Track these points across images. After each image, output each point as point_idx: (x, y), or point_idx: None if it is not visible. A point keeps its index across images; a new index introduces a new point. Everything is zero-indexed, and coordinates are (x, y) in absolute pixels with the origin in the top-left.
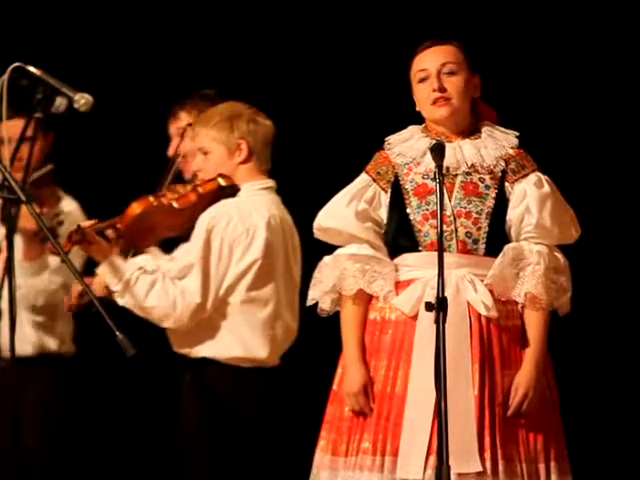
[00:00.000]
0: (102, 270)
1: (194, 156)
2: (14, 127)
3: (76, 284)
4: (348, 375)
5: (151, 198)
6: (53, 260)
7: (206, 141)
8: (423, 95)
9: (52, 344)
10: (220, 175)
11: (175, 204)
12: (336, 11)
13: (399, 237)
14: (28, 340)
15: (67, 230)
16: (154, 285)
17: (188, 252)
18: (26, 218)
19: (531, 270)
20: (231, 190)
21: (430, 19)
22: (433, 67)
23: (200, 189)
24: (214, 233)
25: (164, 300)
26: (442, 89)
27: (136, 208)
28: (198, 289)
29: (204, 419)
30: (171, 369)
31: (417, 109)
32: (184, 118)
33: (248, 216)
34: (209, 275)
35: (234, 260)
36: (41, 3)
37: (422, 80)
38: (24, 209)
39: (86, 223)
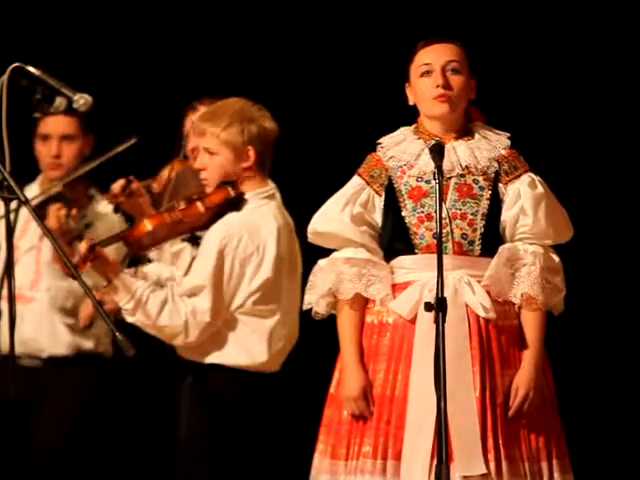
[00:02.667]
0: (111, 289)
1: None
2: (58, 124)
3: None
4: (347, 379)
5: (164, 214)
6: None
7: (213, 142)
8: (425, 89)
9: (87, 344)
10: (227, 184)
11: (185, 218)
12: (330, 14)
13: (394, 240)
14: (62, 341)
15: (104, 231)
16: (165, 304)
17: (198, 271)
18: (53, 216)
19: (526, 271)
20: (237, 199)
21: (424, 22)
22: (438, 63)
23: (208, 201)
24: (225, 253)
25: (176, 319)
26: (447, 86)
27: (148, 225)
28: (209, 309)
29: (205, 422)
30: (173, 372)
31: (411, 103)
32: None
33: (257, 232)
34: (220, 295)
35: (246, 280)
36: (41, 3)
37: (424, 74)
38: (52, 209)
39: (94, 241)
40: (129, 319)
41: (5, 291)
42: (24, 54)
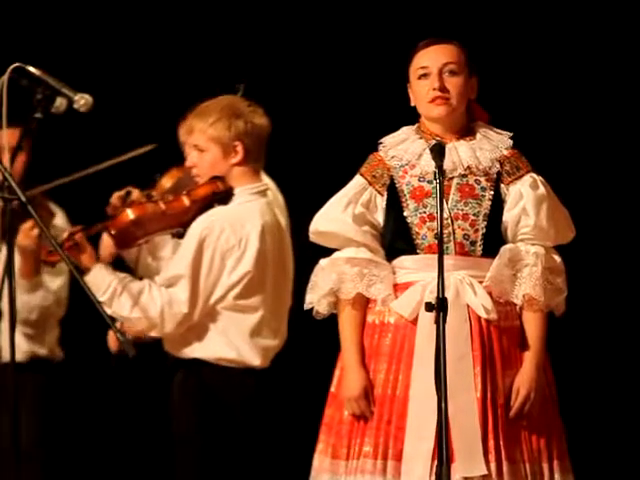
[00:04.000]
0: (89, 279)
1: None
2: (9, 136)
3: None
4: (348, 379)
5: (147, 204)
6: (47, 277)
7: (202, 139)
8: (422, 92)
9: (42, 351)
10: (217, 178)
11: (169, 211)
12: (332, 13)
13: (396, 240)
14: (19, 349)
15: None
16: (141, 295)
17: (178, 261)
18: (25, 235)
19: (528, 272)
20: (225, 194)
21: (427, 20)
22: (435, 66)
23: (194, 194)
24: (206, 244)
25: (151, 310)
26: (443, 89)
27: (130, 214)
28: (186, 300)
29: (197, 419)
30: (163, 370)
31: (412, 104)
32: None
33: (241, 227)
34: (198, 286)
35: (226, 272)
36: (41, 3)
37: (422, 77)
38: (23, 228)
39: (75, 229)
40: (107, 311)
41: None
42: (24, 54)
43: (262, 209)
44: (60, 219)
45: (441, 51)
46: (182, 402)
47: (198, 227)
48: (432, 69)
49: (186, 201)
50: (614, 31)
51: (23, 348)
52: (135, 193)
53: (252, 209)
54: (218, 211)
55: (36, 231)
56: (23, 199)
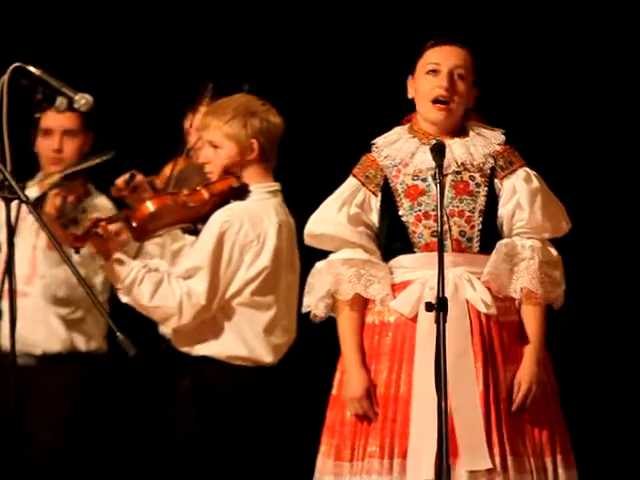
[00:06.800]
0: (107, 267)
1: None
2: (60, 118)
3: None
4: (350, 380)
5: (167, 196)
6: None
7: (217, 136)
8: (427, 87)
9: (81, 342)
10: (233, 174)
11: (189, 203)
12: (327, 16)
13: (392, 240)
14: (57, 337)
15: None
16: (160, 285)
17: (197, 253)
18: (49, 202)
19: (525, 265)
20: (241, 190)
21: (422, 23)
22: (446, 65)
23: (212, 188)
24: (226, 237)
25: (170, 301)
26: (450, 90)
27: (150, 206)
28: (205, 291)
29: (203, 418)
30: (171, 367)
31: (410, 97)
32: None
33: (259, 222)
34: (217, 278)
35: (244, 266)
36: (41, 3)
37: (431, 72)
38: (50, 194)
39: (98, 218)
40: (123, 299)
41: (6, 288)
42: (24, 54)
43: (277, 208)
44: (102, 202)
45: (455, 52)
46: (188, 401)
47: (218, 220)
48: (443, 67)
49: (205, 194)
50: (609, 28)
51: (61, 336)
52: (139, 177)
53: (269, 207)
54: (237, 206)
55: (61, 196)
56: (23, 198)
